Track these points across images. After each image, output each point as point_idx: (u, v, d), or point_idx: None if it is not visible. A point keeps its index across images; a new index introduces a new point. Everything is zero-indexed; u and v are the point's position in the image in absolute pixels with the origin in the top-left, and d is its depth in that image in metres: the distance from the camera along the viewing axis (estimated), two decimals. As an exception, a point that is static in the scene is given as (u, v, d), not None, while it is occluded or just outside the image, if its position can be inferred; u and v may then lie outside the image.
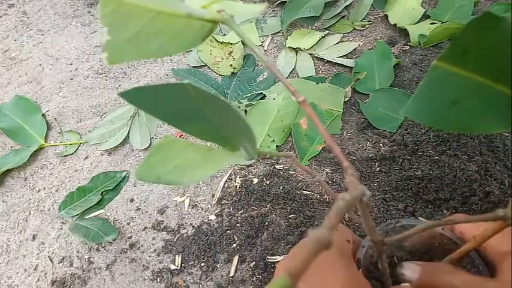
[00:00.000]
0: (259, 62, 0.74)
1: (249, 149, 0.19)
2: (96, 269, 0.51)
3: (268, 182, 0.55)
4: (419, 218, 0.47)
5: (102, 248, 0.53)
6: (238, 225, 0.52)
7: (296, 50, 0.74)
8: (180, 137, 0.64)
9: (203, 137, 0.20)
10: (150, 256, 0.51)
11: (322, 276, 0.22)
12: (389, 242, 0.22)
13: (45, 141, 0.67)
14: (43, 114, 0.71)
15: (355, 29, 0.76)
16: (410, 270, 0.24)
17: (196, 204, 0.55)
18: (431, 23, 0.71)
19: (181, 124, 0.19)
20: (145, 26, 0.20)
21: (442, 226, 0.26)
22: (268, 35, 0.79)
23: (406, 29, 0.71)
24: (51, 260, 0.53)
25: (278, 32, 0.79)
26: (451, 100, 0.18)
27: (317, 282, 0.22)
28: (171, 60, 0.77)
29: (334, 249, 0.24)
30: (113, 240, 0.53)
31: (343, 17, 0.79)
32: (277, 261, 0.47)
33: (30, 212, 0.59)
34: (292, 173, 0.56)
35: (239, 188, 0.55)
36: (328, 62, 0.71)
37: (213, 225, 0.53)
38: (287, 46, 0.74)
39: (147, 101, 0.18)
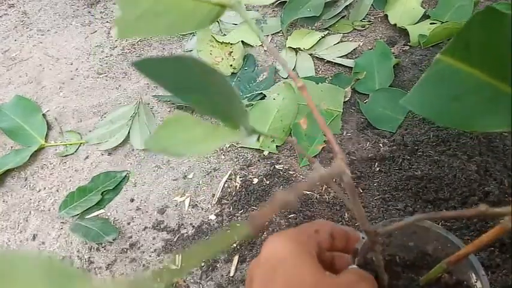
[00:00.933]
0: (259, 62, 0.74)
1: (246, 125, 0.20)
2: (96, 269, 0.52)
3: (268, 182, 0.55)
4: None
5: (103, 247, 0.53)
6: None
7: (296, 50, 0.74)
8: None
9: (204, 110, 0.21)
10: (150, 256, 0.52)
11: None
12: (382, 232, 0.22)
13: (46, 141, 0.67)
14: (43, 114, 0.71)
15: (355, 29, 0.76)
16: None
17: (196, 204, 0.56)
18: (431, 23, 0.71)
19: (184, 94, 0.21)
20: (154, 5, 0.21)
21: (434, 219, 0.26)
22: (268, 35, 0.79)
23: (406, 29, 0.71)
24: (51, 260, 0.54)
25: (278, 32, 0.79)
26: (453, 96, 0.18)
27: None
28: (171, 60, 0.78)
29: (297, 245, 0.23)
30: (113, 240, 0.53)
31: (343, 17, 0.79)
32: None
33: (30, 212, 0.59)
34: (292, 173, 0.56)
35: (239, 188, 0.56)
36: (328, 62, 0.71)
37: (213, 225, 0.53)
38: (287, 46, 0.74)
39: (155, 71, 0.19)
